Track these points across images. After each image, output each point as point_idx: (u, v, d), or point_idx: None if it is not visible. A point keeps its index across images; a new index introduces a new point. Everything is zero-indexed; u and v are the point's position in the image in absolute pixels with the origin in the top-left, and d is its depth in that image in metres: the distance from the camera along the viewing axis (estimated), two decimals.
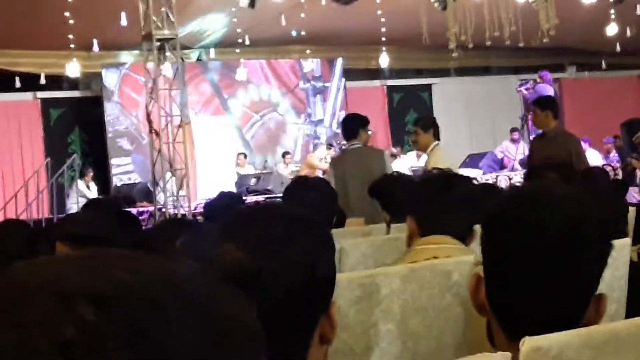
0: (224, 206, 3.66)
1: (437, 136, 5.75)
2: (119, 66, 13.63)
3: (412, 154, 13.46)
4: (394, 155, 13.15)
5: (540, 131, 5.97)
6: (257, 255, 1.02)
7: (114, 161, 13.47)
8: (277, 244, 1.05)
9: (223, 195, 4.07)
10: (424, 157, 9.32)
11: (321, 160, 12.87)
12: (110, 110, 13.53)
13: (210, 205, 4.18)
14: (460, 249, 2.27)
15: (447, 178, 2.44)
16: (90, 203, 4.40)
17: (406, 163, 12.90)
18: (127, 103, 13.57)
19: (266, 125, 14.95)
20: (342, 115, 15.19)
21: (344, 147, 6.27)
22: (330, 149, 13.38)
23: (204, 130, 13.94)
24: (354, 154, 5.70)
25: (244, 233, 1.06)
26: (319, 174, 10.72)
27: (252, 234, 1.05)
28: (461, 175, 2.53)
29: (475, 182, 4.16)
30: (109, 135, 13.61)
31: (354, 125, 5.77)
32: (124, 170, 13.49)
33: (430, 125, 5.81)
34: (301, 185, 3.17)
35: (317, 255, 1.07)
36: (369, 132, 5.89)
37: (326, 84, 15.48)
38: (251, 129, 14.74)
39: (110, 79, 13.63)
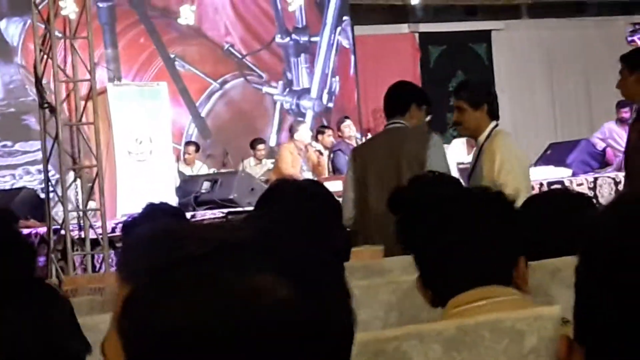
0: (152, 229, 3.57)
1: (493, 113, 5.57)
2: (23, 14, 13.89)
3: (459, 143, 13.20)
4: None
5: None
6: None
7: (19, 146, 14.02)
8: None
9: (152, 209, 4.12)
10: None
11: (302, 151, 12.53)
12: (10, 75, 14.05)
13: (131, 227, 4.28)
14: (524, 301, 2.34)
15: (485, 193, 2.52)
16: None
17: (450, 157, 12.58)
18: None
19: (229, 97, 15.46)
20: (336, 81, 15.32)
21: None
22: (323, 134, 13.15)
23: (132, 104, 13.86)
24: (383, 139, 5.75)
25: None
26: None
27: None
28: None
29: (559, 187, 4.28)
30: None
31: (404, 96, 5.74)
32: (32, 159, 13.97)
33: (483, 96, 5.61)
34: (283, 192, 3.27)
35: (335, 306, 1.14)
36: (427, 116, 5.81)
37: (314, 39, 15.76)
38: (207, 103, 15.39)
39: (10, 31, 14.19)
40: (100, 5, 14.70)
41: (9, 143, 14.13)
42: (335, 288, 1.16)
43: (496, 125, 5.58)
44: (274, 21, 16.10)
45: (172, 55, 15.26)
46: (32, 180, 13.59)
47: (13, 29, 14.26)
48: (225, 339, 1.06)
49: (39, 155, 13.72)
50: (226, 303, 1.07)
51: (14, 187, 13.63)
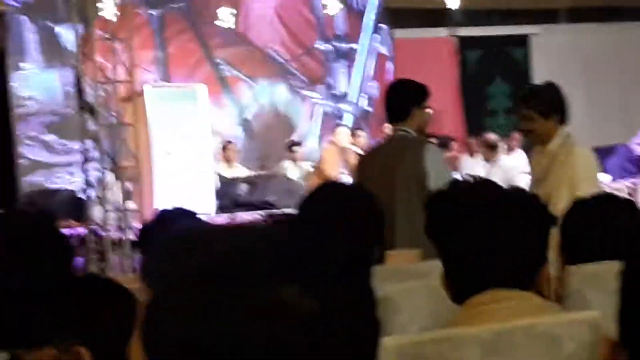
0: (163, 236, 3.49)
1: (564, 120, 5.50)
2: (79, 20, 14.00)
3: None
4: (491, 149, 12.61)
5: None
6: None
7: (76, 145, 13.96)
8: None
9: (164, 216, 3.98)
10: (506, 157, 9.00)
11: (345, 154, 12.44)
12: (68, 77, 13.85)
13: (145, 234, 4.13)
14: (543, 306, 2.31)
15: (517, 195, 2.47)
16: None
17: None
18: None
19: (271, 101, 15.75)
20: (374, 86, 15.37)
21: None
22: (355, 135, 13.06)
23: (170, 106, 13.97)
24: (384, 153, 5.68)
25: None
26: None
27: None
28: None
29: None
30: (21, 110, 13.79)
31: (402, 99, 5.60)
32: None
33: (553, 104, 5.50)
34: (326, 196, 3.12)
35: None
36: (428, 111, 5.67)
37: (353, 46, 16.27)
38: (251, 106, 15.69)
39: (68, 36, 13.99)
40: (152, 12, 14.88)
41: (67, 142, 14.33)
42: (360, 297, 1.15)
43: (567, 134, 5.50)
44: (315, 28, 16.22)
45: (217, 60, 15.45)
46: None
47: (70, 35, 14.42)
48: (247, 354, 1.03)
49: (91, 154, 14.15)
50: (250, 318, 1.04)
51: (71, 182, 13.86)
